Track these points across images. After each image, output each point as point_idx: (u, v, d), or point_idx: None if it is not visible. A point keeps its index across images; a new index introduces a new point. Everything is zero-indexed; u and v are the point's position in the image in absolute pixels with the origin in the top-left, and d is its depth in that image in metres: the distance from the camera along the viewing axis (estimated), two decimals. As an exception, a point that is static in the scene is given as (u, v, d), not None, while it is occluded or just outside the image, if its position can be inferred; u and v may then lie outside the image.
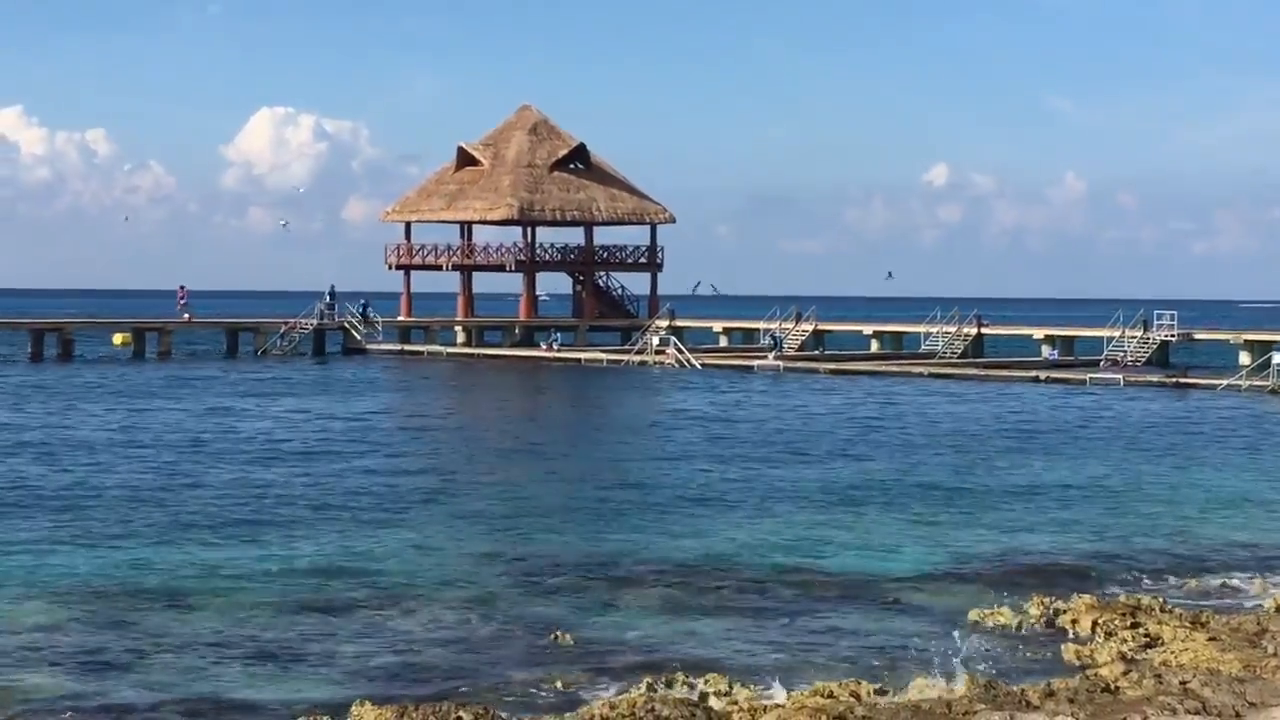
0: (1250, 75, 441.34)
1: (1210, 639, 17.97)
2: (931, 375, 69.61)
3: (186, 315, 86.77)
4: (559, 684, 16.67)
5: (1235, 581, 22.69)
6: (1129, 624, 18.96)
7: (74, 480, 32.03)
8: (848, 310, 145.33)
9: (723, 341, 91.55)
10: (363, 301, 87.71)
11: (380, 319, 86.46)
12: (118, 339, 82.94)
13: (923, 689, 16.11)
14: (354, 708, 15.15)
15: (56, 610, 19.89)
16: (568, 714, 15.03)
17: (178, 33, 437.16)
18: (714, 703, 15.45)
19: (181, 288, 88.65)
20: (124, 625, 19.19)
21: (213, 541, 25.05)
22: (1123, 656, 17.32)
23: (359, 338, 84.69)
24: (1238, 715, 14.33)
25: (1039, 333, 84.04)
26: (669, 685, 16.32)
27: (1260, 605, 20.78)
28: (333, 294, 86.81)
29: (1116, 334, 77.04)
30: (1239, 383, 62.13)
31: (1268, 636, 18.20)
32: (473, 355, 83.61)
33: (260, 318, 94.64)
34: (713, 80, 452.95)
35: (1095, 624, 19.10)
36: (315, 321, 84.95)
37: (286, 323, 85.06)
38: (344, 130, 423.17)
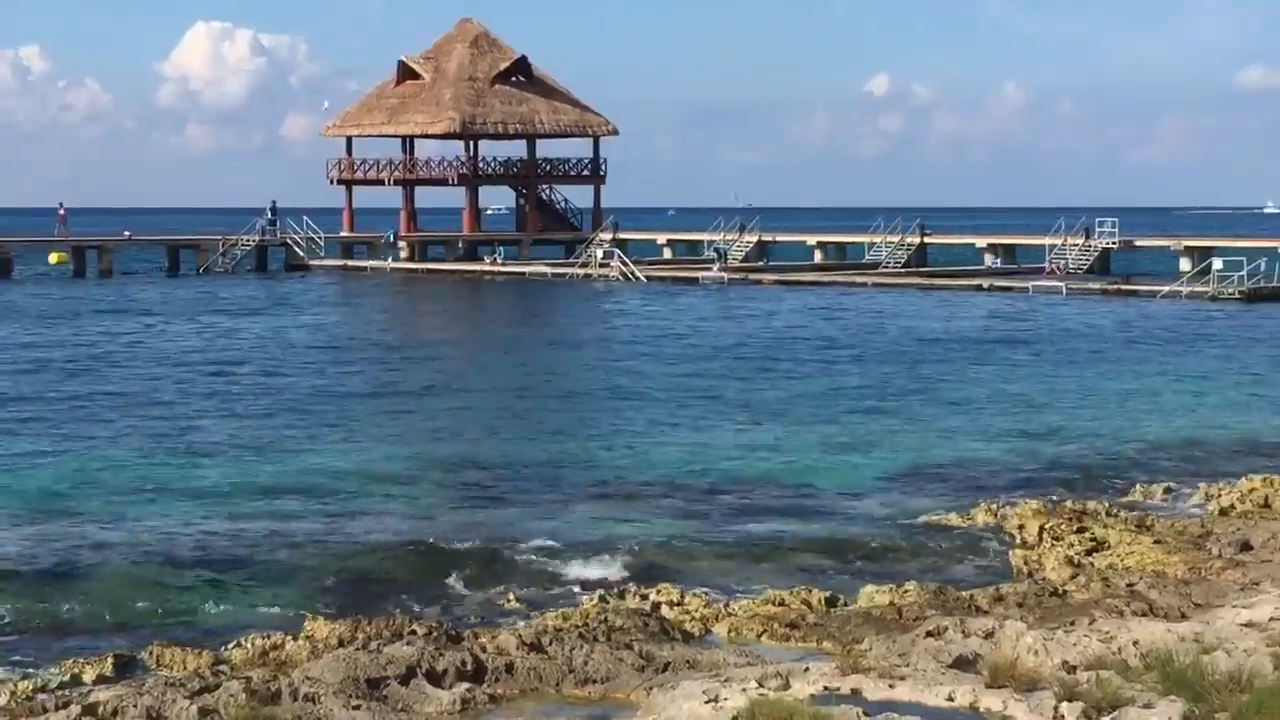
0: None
1: (1155, 542, 18.17)
2: (875, 285, 69.75)
3: (64, 234, 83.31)
4: (511, 595, 16.72)
5: (1180, 485, 22.88)
6: (1075, 529, 19.13)
7: (14, 393, 31.83)
8: (791, 221, 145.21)
9: (666, 254, 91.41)
10: (272, 201, 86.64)
11: (281, 227, 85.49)
12: (53, 258, 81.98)
13: (873, 596, 16.23)
14: (306, 622, 15.16)
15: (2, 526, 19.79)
16: (520, 625, 15.07)
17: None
18: (666, 612, 15.53)
19: (60, 205, 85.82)
20: (68, 540, 19.10)
21: (156, 458, 24.94)
22: (1069, 560, 17.50)
23: (301, 254, 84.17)
24: (1183, 616, 14.49)
25: (981, 241, 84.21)
26: (621, 596, 16.38)
27: (1204, 509, 20.99)
28: (274, 210, 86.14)
29: (1059, 242, 77.30)
30: (1179, 289, 62.54)
31: (1211, 539, 18.41)
32: (416, 270, 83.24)
33: (201, 235, 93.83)
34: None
35: (1042, 529, 19.26)
36: (257, 238, 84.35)
37: (228, 239, 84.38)
38: (282, 45, 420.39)
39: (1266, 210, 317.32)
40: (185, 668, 13.89)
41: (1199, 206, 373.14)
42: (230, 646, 14.59)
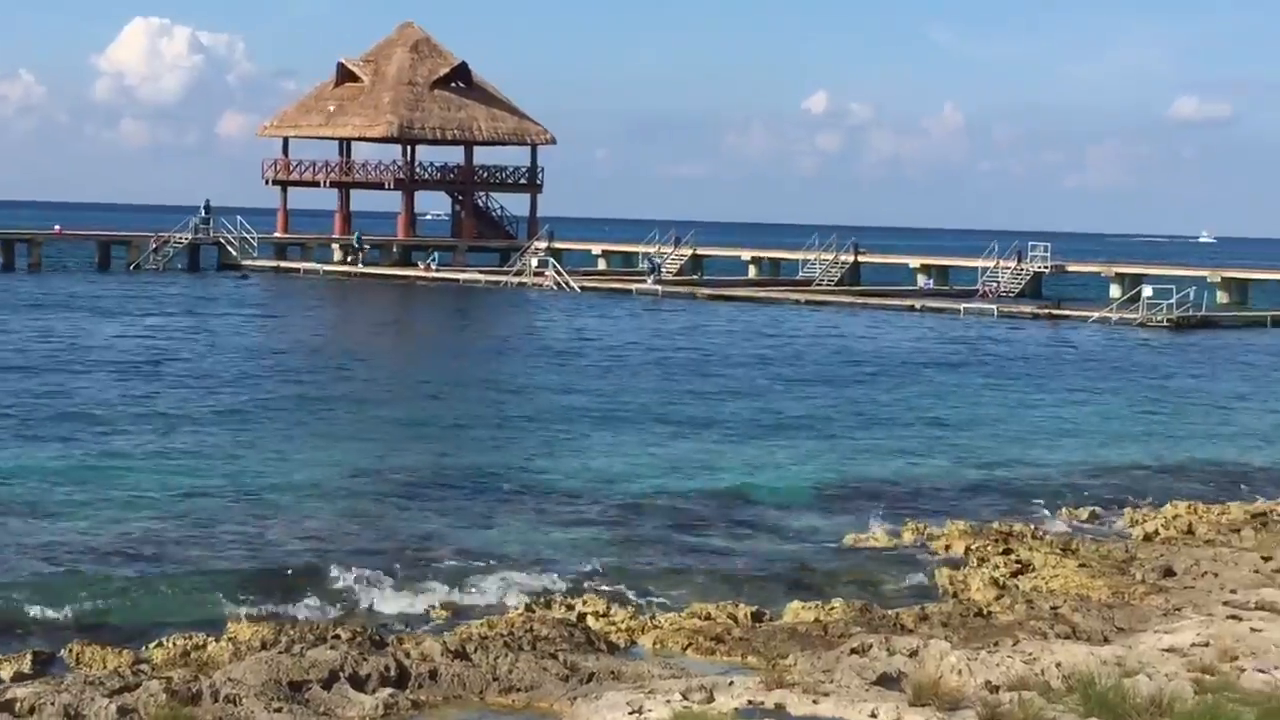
0: (1129, 13, 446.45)
1: (1080, 565, 18.28)
2: (809, 302, 69.96)
3: None
4: (437, 602, 16.65)
5: (1106, 510, 23.05)
6: (1001, 550, 19.23)
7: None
8: (727, 236, 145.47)
9: (601, 264, 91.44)
10: (206, 199, 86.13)
11: (215, 226, 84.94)
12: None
13: (799, 612, 16.25)
14: (230, 623, 15.05)
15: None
16: (445, 633, 15.01)
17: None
18: (592, 623, 15.50)
19: None
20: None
21: (78, 458, 24.71)
22: (995, 582, 17.57)
23: (234, 253, 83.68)
24: (1106, 640, 14.58)
25: (915, 261, 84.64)
26: (548, 605, 16.34)
27: (1128, 534, 21.14)
28: (208, 208, 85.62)
29: (991, 264, 77.80)
30: (1109, 314, 63.03)
31: (1135, 564, 18.55)
32: (349, 274, 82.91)
33: (133, 231, 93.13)
34: (595, 4, 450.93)
35: (968, 550, 19.36)
36: (190, 236, 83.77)
37: (160, 237, 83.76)
38: (220, 43, 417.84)
39: (1201, 240, 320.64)
40: (105, 666, 13.75)
41: (1136, 234, 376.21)
42: (151, 646, 14.46)
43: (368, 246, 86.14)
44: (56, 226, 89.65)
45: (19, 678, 13.46)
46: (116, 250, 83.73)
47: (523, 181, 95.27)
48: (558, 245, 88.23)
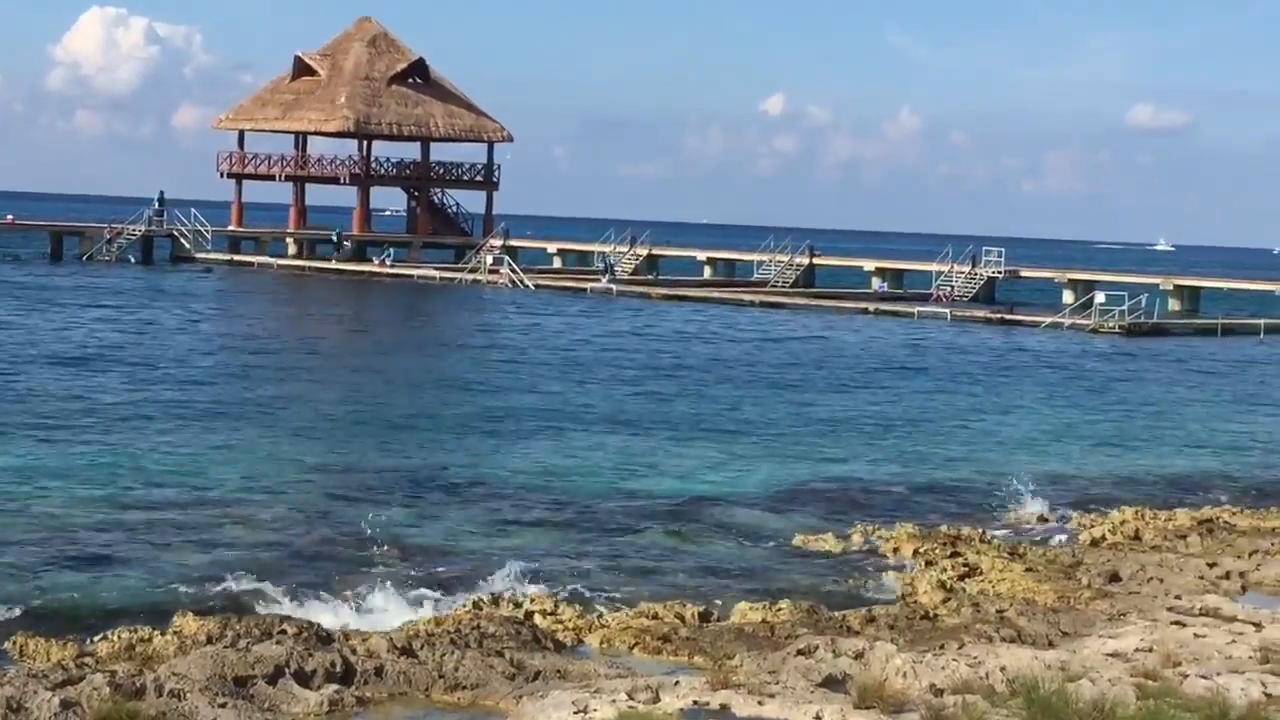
0: (1086, 21, 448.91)
1: (1027, 570, 18.37)
2: (763, 303, 70.08)
3: None
4: (383, 598, 16.59)
5: (1053, 515, 23.16)
6: (949, 553, 19.31)
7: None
8: (684, 236, 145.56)
9: (556, 263, 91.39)
10: (160, 191, 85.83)
11: (169, 219, 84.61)
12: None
13: (746, 613, 16.27)
14: (175, 617, 14.98)
15: None
16: (392, 629, 14.98)
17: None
18: (539, 621, 15.49)
19: None
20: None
21: (27, 447, 24.59)
22: (942, 585, 17.63)
23: (188, 246, 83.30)
24: (1051, 644, 14.65)
25: (870, 265, 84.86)
26: (494, 603, 16.32)
27: (1075, 539, 21.25)
28: (162, 200, 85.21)
29: (945, 269, 78.08)
30: (1062, 320, 63.35)
31: (1082, 569, 18.63)
32: (303, 268, 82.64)
33: (86, 222, 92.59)
34: (554, 2, 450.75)
35: (916, 552, 19.43)
36: (144, 228, 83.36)
37: (113, 228, 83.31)
38: (177, 35, 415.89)
39: (1158, 247, 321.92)
40: (49, 659, 13.67)
41: (1093, 240, 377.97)
42: (96, 639, 14.39)
43: (347, 243, 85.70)
44: (9, 216, 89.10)
45: (-39, 670, 13.37)
46: (69, 241, 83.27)
47: (479, 179, 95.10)
48: (513, 243, 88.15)
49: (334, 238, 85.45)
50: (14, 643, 14.16)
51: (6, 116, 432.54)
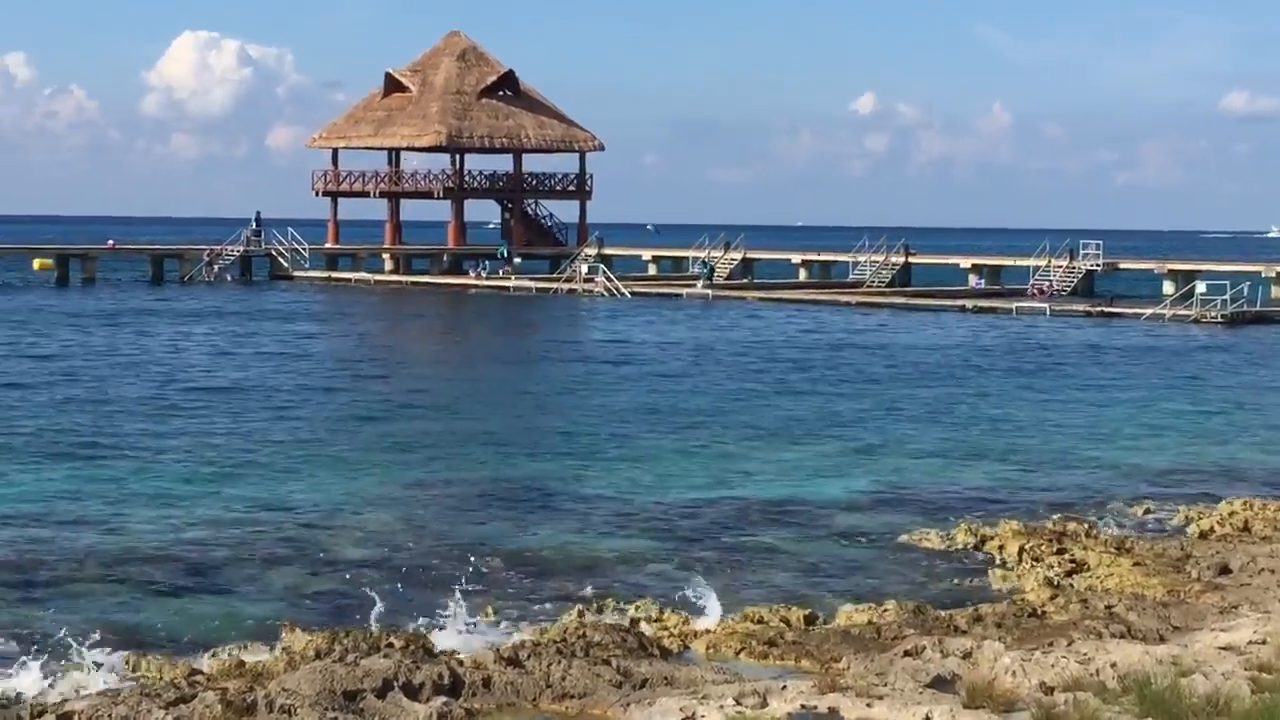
0: (1179, 8, 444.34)
1: (1135, 564, 18.18)
2: (859, 304, 69.79)
3: None
4: (490, 610, 16.64)
5: (1160, 508, 22.91)
6: (1055, 549, 19.14)
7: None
8: (776, 239, 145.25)
9: (651, 270, 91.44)
10: (257, 211, 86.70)
11: (266, 238, 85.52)
12: (37, 264, 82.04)
13: (851, 615, 16.20)
14: (284, 633, 15.11)
15: (-19, 537, 19.73)
16: (499, 640, 15.03)
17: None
18: (645, 628, 15.49)
19: None
20: (46, 548, 19.04)
21: (137, 468, 24.87)
22: (1049, 581, 17.49)
23: (286, 264, 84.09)
24: (1161, 639, 14.49)
25: (966, 262, 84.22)
26: (600, 611, 16.35)
27: (1184, 532, 21.01)
28: (259, 220, 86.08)
29: (1043, 263, 77.44)
30: (1163, 312, 62.66)
31: (1191, 562, 18.42)
32: (400, 283, 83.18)
33: (185, 244, 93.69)
34: (641, 8, 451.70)
35: (1022, 549, 19.26)
36: (241, 248, 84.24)
37: (212, 250, 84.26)
38: (269, 56, 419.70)
39: (1270, 235, 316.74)
40: (161, 678, 13.82)
41: (1201, 230, 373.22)
42: (206, 657, 14.53)
43: (518, 259, 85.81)
44: (110, 241, 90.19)
45: (77, 689, 13.54)
46: (169, 264, 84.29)
47: (571, 188, 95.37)
48: (607, 251, 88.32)
49: (502, 254, 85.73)
50: (127, 661, 14.32)
51: (104, 143, 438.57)
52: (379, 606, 16.67)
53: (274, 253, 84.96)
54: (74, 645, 15.07)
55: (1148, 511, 22.63)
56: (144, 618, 16.20)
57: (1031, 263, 78.33)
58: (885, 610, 16.20)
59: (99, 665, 14.21)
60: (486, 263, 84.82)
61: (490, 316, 64.76)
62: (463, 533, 20.52)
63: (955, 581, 18.24)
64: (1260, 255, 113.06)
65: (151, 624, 16.00)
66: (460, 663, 13.53)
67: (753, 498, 23.22)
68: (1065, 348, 50.37)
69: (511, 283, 79.15)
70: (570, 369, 41.96)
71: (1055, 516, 21.65)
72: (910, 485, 24.61)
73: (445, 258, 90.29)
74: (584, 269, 78.61)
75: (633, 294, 74.66)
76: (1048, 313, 65.05)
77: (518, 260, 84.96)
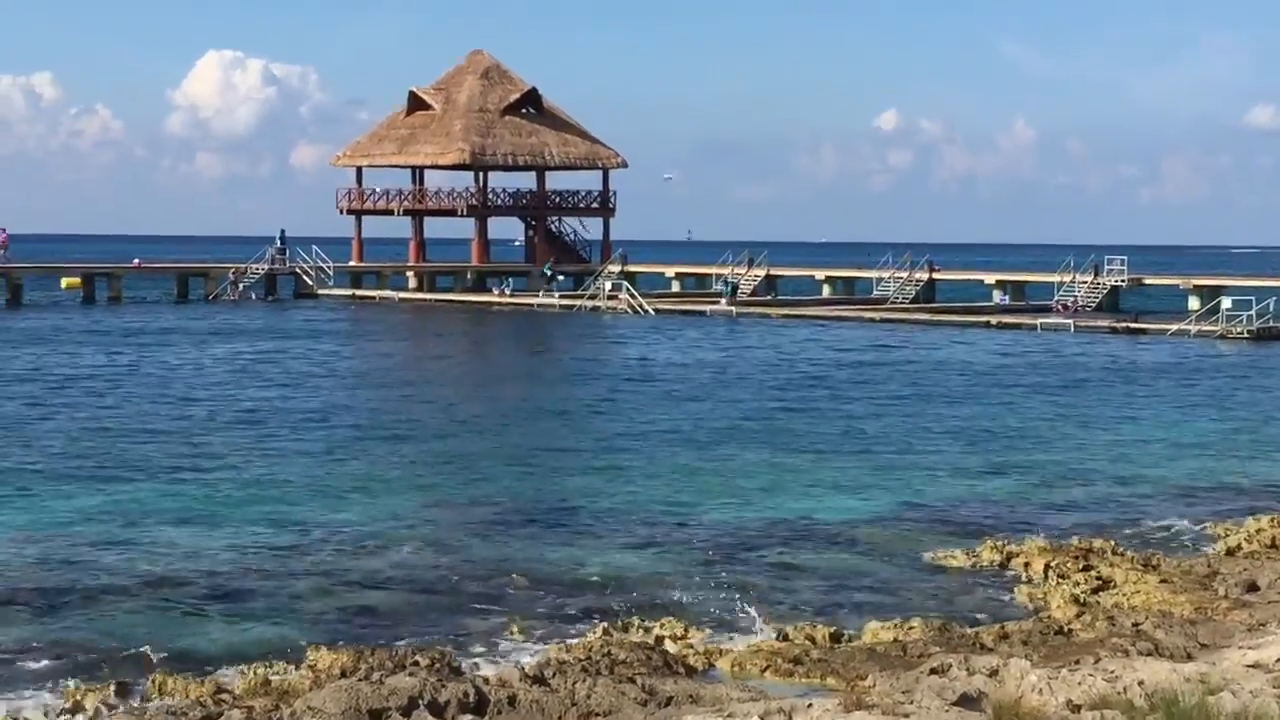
0: (1200, 24, 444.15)
1: (1161, 581, 18.11)
2: (884, 320, 69.72)
3: (4, 259, 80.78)
4: (515, 628, 16.66)
5: (1186, 525, 22.84)
6: (1081, 567, 19.09)
7: (17, 419, 31.85)
8: (799, 256, 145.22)
9: (675, 286, 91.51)
10: (281, 229, 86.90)
11: (290, 256, 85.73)
12: (65, 283, 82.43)
13: (877, 632, 16.18)
14: (309, 652, 15.14)
15: (7, 552, 19.77)
16: (524, 657, 15.04)
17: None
18: (670, 646, 15.49)
19: (2, 230, 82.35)
20: (73, 568, 19.09)
21: (160, 486, 24.93)
22: (1075, 599, 17.44)
23: (310, 283, 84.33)
24: (1189, 656, 14.43)
25: (990, 278, 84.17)
26: (625, 629, 16.34)
27: (1210, 548, 20.93)
28: (283, 239, 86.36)
29: (1067, 279, 77.30)
30: (1188, 328, 62.48)
31: (1218, 579, 18.35)
32: (425, 300, 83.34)
33: (210, 263, 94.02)
34: (663, 27, 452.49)
35: (1048, 567, 19.21)
36: (266, 266, 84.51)
37: (238, 268, 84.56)
38: (293, 75, 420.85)
39: None
40: (187, 696, 13.85)
41: (1229, 245, 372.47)
42: (232, 675, 14.56)
43: (560, 276, 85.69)
44: (136, 260, 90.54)
45: (103, 707, 13.58)
46: (194, 282, 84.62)
47: (595, 206, 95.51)
48: (631, 268, 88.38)
49: (546, 271, 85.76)
50: (153, 681, 14.35)
51: (129, 162, 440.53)
52: (404, 625, 16.72)
53: (298, 271, 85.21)
54: (101, 664, 15.14)
55: (1174, 528, 22.56)
56: (170, 637, 16.22)
57: (1056, 278, 78.21)
58: (911, 628, 16.17)
59: (126, 684, 14.24)
60: (510, 280, 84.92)
61: (514, 334, 64.83)
62: (487, 551, 20.53)
63: (981, 599, 18.21)
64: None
65: (177, 643, 16.02)
66: (486, 681, 13.53)
67: (777, 515, 23.20)
68: (1090, 364, 50.25)
69: (536, 300, 79.23)
70: (594, 386, 41.96)
71: (1081, 533, 21.61)
72: (935, 502, 24.57)
73: (469, 275, 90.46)
74: (608, 286, 78.68)
75: (656, 311, 74.69)
76: (1072, 329, 64.92)
77: (561, 279, 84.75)
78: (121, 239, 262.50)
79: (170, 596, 17.89)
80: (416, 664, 14.24)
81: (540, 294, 79.39)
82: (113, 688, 14.07)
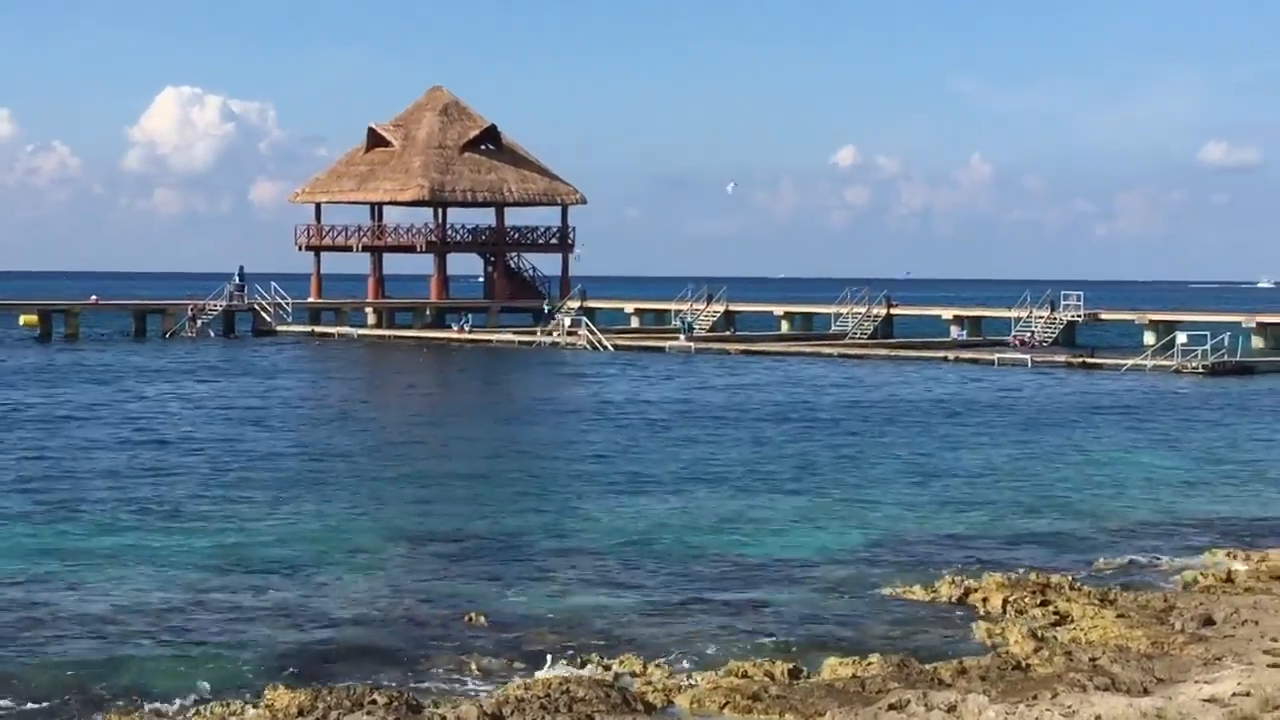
0: (1154, 60, 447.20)
1: (1119, 616, 18.18)
2: (841, 356, 69.90)
3: None
4: (474, 665, 16.61)
5: (1143, 559, 22.93)
6: (1039, 602, 19.14)
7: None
8: (759, 291, 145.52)
9: (634, 322, 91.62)
10: (240, 266, 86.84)
11: (249, 293, 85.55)
12: (23, 320, 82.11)
13: (836, 668, 16.18)
14: (266, 691, 15.06)
15: (-38, 595, 19.63)
16: (483, 695, 15.00)
17: (83, 11, 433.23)
18: (628, 683, 15.47)
19: None
20: (19, 608, 18.96)
21: (114, 524, 24.79)
22: (1033, 634, 17.48)
23: (269, 319, 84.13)
24: (1146, 691, 14.49)
25: (947, 313, 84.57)
26: (583, 666, 16.32)
27: (1167, 583, 21.02)
28: (242, 275, 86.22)
29: (1024, 314, 77.70)
30: (1144, 362, 62.83)
31: (1175, 613, 18.43)
32: (384, 337, 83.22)
33: (168, 300, 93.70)
34: (621, 62, 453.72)
35: (1006, 602, 19.27)
36: (224, 303, 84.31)
37: (194, 305, 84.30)
38: (251, 111, 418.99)
39: (1260, 285, 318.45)
40: (143, 736, 13.75)
41: (1191, 280, 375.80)
42: (189, 715, 14.47)
43: (559, 315, 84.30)
44: (93, 296, 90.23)
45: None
46: (152, 319, 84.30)
47: (554, 242, 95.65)
48: (590, 304, 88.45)
49: (546, 309, 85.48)
50: (108, 720, 14.25)
51: (87, 199, 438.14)
52: (362, 663, 16.65)
53: (257, 307, 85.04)
54: (54, 705, 15.03)
55: (1131, 563, 22.65)
56: (123, 677, 16.11)
57: (1013, 314, 78.64)
58: (869, 663, 16.19)
59: (80, 724, 14.14)
60: (469, 316, 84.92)
61: (473, 370, 64.77)
62: (445, 588, 20.47)
63: (939, 634, 18.22)
64: (1253, 307, 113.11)
65: (132, 682, 15.91)
66: (444, 718, 13.49)
67: (735, 551, 23.20)
68: (1047, 399, 50.46)
69: (495, 336, 79.19)
70: (552, 424, 41.95)
71: (1039, 568, 21.67)
72: (893, 538, 24.60)
73: (428, 311, 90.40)
74: (567, 322, 78.69)
75: (615, 347, 74.74)
76: (1029, 364, 65.21)
77: (558, 316, 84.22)
78: (79, 275, 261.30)
79: (122, 636, 17.76)
80: (374, 702, 14.19)
81: (551, 332, 78.38)
82: (67, 728, 13.96)
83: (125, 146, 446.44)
